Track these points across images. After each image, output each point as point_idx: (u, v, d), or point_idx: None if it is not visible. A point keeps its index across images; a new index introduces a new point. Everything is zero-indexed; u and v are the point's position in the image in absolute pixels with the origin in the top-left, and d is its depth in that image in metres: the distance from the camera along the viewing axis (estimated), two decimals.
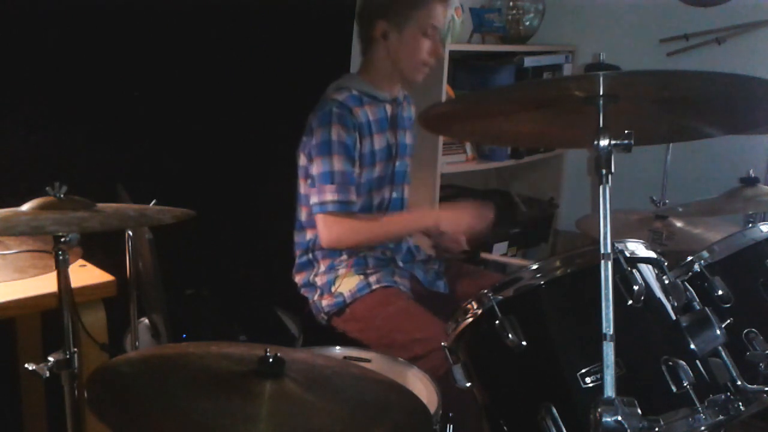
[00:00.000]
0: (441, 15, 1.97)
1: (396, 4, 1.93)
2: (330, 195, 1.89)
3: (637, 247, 1.34)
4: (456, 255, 2.15)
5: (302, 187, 2.02)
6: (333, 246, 1.97)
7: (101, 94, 2.09)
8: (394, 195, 2.10)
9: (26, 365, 1.35)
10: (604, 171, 1.11)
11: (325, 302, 2.00)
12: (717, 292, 1.49)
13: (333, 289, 1.99)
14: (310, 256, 2.06)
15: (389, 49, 1.96)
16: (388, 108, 2.04)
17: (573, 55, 3.34)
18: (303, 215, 2.04)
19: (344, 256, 2.02)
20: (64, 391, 1.35)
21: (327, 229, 1.92)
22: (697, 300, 1.41)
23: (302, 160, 1.99)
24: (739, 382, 1.25)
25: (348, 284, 1.98)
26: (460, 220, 1.95)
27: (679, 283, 1.38)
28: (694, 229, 2.19)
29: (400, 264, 2.07)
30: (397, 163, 2.08)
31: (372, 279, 1.98)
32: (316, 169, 1.91)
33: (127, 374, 1.14)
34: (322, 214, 1.90)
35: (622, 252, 1.27)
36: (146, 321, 1.86)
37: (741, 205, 2.09)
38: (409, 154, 2.15)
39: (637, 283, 1.21)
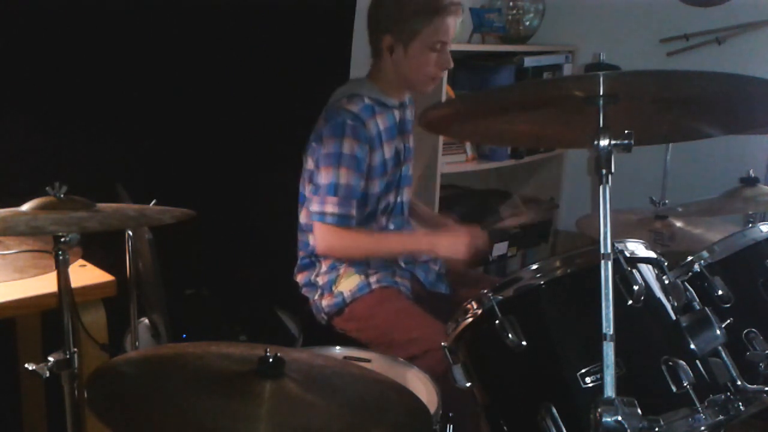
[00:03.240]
0: (450, 29, 1.92)
1: (402, 21, 1.89)
2: (331, 207, 1.89)
3: (637, 247, 1.34)
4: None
5: (306, 190, 2.02)
6: (325, 254, 1.98)
7: (101, 94, 2.08)
8: (399, 199, 2.10)
9: (26, 365, 1.35)
10: (604, 171, 1.11)
11: (325, 302, 2.00)
12: (717, 292, 1.49)
13: (333, 289, 2.00)
14: (313, 257, 2.06)
15: (395, 63, 1.95)
16: (397, 114, 2.03)
17: (573, 55, 3.34)
18: (303, 217, 2.05)
19: None
20: (64, 391, 1.35)
21: (322, 239, 1.92)
22: (697, 300, 1.41)
23: (309, 164, 1.98)
24: (739, 382, 1.25)
25: (348, 284, 1.98)
26: (456, 247, 1.91)
27: (679, 283, 1.38)
28: (694, 229, 2.19)
29: (402, 264, 2.07)
30: (404, 168, 2.09)
31: (372, 279, 1.98)
32: (322, 179, 1.90)
33: (127, 374, 1.14)
34: (319, 223, 1.91)
35: (622, 252, 1.27)
36: (146, 321, 1.86)
37: (741, 205, 2.09)
38: (412, 157, 2.16)
39: (637, 283, 1.21)
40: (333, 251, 1.96)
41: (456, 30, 1.95)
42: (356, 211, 1.92)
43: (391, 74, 1.98)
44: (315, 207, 1.92)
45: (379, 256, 2.00)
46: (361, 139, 1.89)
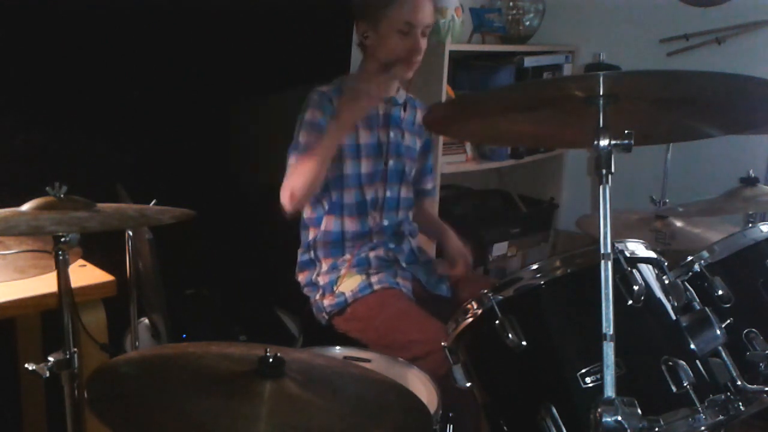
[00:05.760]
0: (418, 11, 1.92)
1: (369, 4, 1.94)
2: (292, 160, 1.93)
3: (637, 247, 1.34)
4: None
5: None
6: (291, 201, 1.90)
7: (101, 94, 2.08)
8: (388, 194, 2.10)
9: (26, 365, 1.35)
10: (604, 171, 1.11)
11: (326, 302, 2.00)
12: (717, 292, 1.48)
13: (335, 289, 2.00)
14: (312, 255, 2.06)
15: (371, 48, 1.99)
16: (381, 106, 2.05)
17: (573, 55, 3.34)
18: (305, 212, 2.05)
19: (347, 256, 2.03)
20: (64, 391, 1.35)
21: (283, 196, 1.90)
22: (697, 300, 1.41)
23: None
24: (739, 382, 1.25)
25: (350, 284, 1.99)
26: (355, 102, 1.87)
27: (679, 283, 1.38)
28: (694, 229, 2.19)
29: (403, 265, 2.07)
30: (391, 162, 2.08)
31: (374, 279, 1.98)
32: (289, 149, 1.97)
33: (127, 374, 1.14)
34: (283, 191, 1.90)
35: (622, 252, 1.27)
36: (146, 321, 1.86)
37: (741, 205, 2.09)
38: (408, 156, 2.14)
39: (637, 283, 1.21)
40: (293, 193, 1.88)
41: (431, 15, 1.96)
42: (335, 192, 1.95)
43: (371, 63, 2.02)
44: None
45: (321, 157, 1.90)
46: (324, 110, 1.94)
